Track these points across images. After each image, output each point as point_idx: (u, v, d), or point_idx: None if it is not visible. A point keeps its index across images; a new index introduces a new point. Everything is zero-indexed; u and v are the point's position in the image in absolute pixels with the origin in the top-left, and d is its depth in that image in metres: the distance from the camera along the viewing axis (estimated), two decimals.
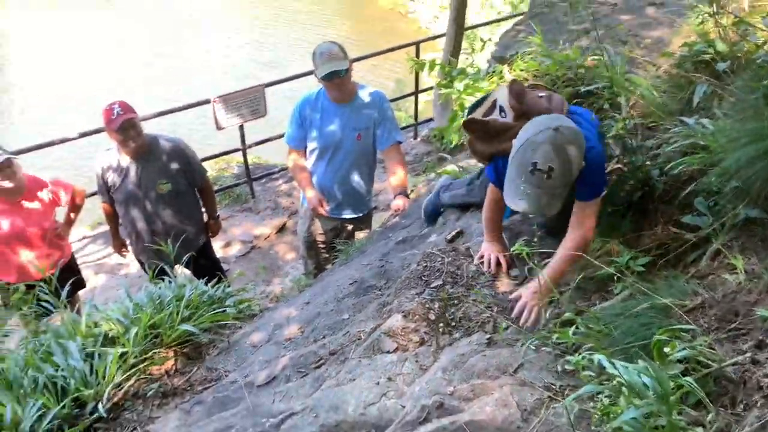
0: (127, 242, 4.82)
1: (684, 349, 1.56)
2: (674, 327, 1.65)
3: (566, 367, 2.13)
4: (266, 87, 7.11)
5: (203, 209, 4.82)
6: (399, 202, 4.08)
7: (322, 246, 4.69)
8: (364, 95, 4.15)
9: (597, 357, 1.44)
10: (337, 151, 4.17)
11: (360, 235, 4.55)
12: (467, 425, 2.05)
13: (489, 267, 2.63)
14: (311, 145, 4.25)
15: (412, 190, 5.98)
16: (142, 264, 4.83)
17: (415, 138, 8.56)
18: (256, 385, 2.64)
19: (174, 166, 4.41)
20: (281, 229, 7.44)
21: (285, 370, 2.66)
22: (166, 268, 3.66)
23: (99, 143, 6.13)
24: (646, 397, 1.31)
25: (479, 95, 3.52)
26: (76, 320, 3.07)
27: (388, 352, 2.49)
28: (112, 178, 4.34)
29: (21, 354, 2.87)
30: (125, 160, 4.31)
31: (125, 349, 2.85)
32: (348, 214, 4.45)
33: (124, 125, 4.06)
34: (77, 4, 17.43)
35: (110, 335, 3.00)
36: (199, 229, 4.68)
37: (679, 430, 1.27)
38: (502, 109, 2.34)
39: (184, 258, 3.89)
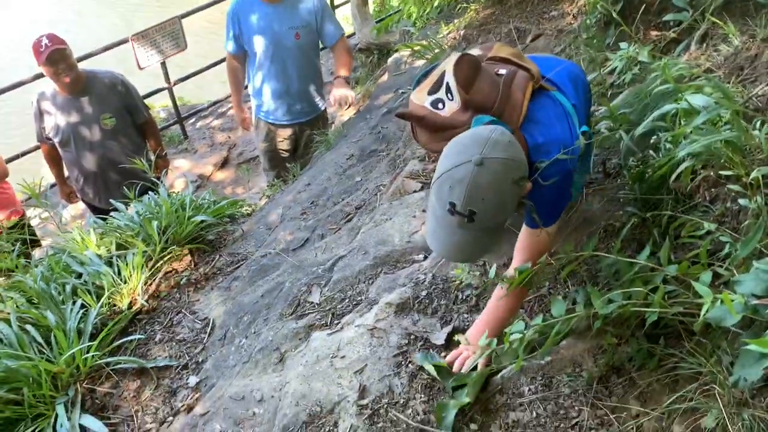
0: (75, 187, 4.62)
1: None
2: (695, 84, 1.85)
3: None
4: (182, 18, 6.85)
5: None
6: (340, 93, 3.81)
7: (284, 154, 4.69)
8: None
9: None
10: (278, 53, 4.07)
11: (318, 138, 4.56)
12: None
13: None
14: (251, 49, 4.18)
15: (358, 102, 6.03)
16: (91, 207, 4.65)
17: None
18: (291, 249, 2.72)
19: (116, 100, 4.22)
20: (224, 165, 7.33)
21: (316, 231, 2.75)
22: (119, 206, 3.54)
23: None
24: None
25: None
26: (84, 234, 3.01)
27: (415, 191, 2.63)
28: (50, 115, 4.14)
29: (39, 270, 2.80)
30: (63, 98, 4.12)
31: (145, 250, 2.84)
32: (302, 118, 4.44)
33: (52, 56, 3.86)
34: None
35: (121, 242, 2.97)
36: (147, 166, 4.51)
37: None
38: (449, 89, 1.78)
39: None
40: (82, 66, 4.19)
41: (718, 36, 2.25)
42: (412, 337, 2.04)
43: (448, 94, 1.78)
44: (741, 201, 1.45)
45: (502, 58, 1.87)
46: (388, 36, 7.06)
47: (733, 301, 1.36)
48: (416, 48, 3.73)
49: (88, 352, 2.35)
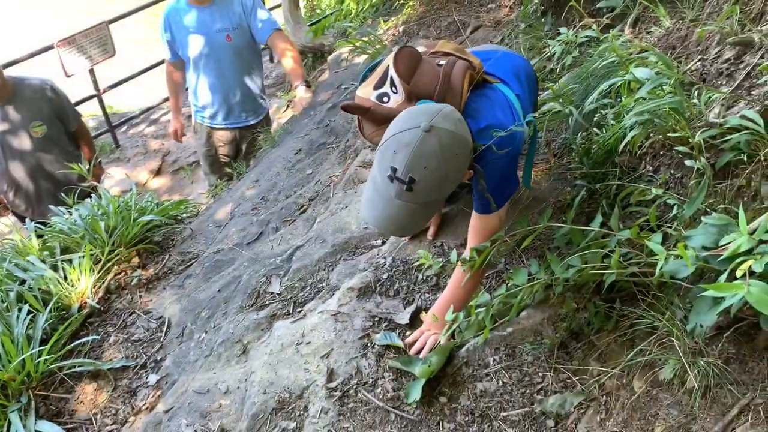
0: (5, 199, 4.41)
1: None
2: (639, 56, 1.96)
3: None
4: (109, 24, 6.67)
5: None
6: (300, 94, 3.91)
7: (224, 159, 4.61)
8: None
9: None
10: (211, 56, 4.01)
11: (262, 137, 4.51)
12: None
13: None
14: (185, 54, 4.10)
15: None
16: (23, 220, 4.45)
17: (271, 61, 8.48)
18: (246, 244, 2.70)
19: (45, 107, 4.06)
20: (158, 173, 7.17)
21: (270, 224, 2.73)
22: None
23: None
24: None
25: None
26: (25, 240, 2.89)
27: None
28: None
29: None
30: None
31: (92, 251, 2.76)
32: (243, 122, 4.37)
33: None
34: None
35: (65, 246, 2.88)
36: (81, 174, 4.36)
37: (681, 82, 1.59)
38: (393, 83, 1.79)
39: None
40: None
41: (650, 20, 2.38)
42: (377, 319, 2.07)
43: (393, 88, 1.80)
44: (687, 162, 1.55)
45: (444, 53, 1.91)
46: (323, 39, 7.08)
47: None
48: (357, 44, 3.76)
49: (39, 357, 2.26)
